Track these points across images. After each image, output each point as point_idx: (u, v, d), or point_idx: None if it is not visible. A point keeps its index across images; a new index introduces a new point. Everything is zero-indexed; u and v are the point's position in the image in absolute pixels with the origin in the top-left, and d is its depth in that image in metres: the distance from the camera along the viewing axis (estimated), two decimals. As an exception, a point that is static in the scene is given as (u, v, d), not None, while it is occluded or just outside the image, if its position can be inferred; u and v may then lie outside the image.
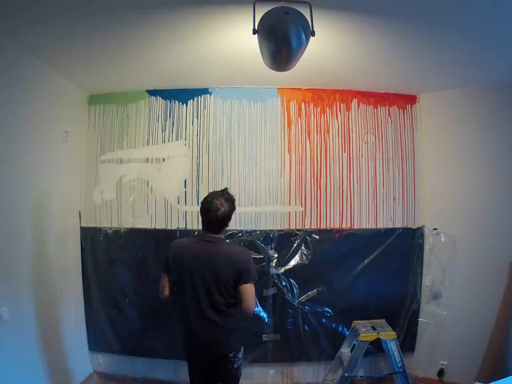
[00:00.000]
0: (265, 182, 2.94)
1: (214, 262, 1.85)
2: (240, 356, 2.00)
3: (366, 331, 2.48)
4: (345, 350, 2.66)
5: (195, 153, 2.94)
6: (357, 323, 2.61)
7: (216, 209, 1.85)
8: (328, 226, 2.94)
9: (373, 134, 3.01)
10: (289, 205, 2.93)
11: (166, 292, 1.97)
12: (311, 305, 2.84)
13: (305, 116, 2.97)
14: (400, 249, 2.92)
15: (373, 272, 2.88)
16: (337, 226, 2.94)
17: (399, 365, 2.45)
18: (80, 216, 2.96)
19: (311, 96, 2.98)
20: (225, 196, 1.92)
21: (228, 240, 2.19)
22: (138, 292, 2.89)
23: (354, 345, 2.58)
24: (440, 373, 2.84)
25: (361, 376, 2.68)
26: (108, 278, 2.90)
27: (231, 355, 1.94)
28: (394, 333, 2.47)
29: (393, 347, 2.44)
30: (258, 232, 2.86)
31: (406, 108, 3.05)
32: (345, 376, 2.43)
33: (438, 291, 2.88)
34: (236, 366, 1.96)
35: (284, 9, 1.50)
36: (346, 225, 2.95)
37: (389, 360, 2.49)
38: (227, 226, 1.96)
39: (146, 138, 2.98)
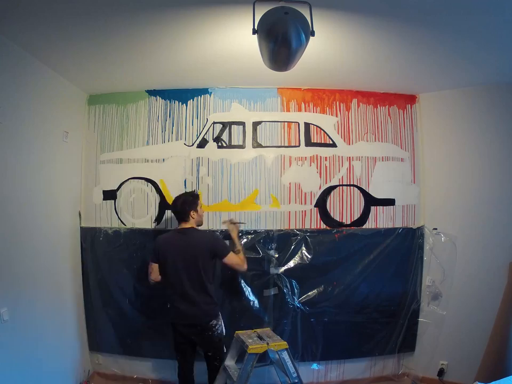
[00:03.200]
0: (265, 182, 2.94)
1: (190, 248, 2.31)
2: (220, 323, 2.39)
3: (253, 342, 2.27)
4: (230, 363, 2.43)
5: (195, 153, 2.94)
6: (240, 333, 2.40)
7: (176, 201, 2.39)
8: (328, 226, 2.94)
9: (373, 134, 3.01)
10: (289, 204, 2.93)
11: (154, 276, 2.40)
12: (311, 306, 2.84)
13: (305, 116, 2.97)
14: (400, 249, 2.92)
15: (373, 272, 2.88)
16: (337, 226, 2.94)
17: (294, 375, 2.30)
18: (80, 216, 2.96)
19: (311, 96, 2.98)
20: (186, 193, 2.52)
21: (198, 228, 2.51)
22: (138, 292, 2.89)
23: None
24: (440, 372, 2.84)
25: None
26: (108, 278, 2.90)
27: (212, 323, 2.33)
28: (285, 342, 2.30)
29: (285, 357, 2.29)
30: (258, 232, 2.86)
31: (405, 107, 3.05)
32: None
33: (438, 291, 2.88)
34: (217, 333, 2.35)
35: (283, 9, 1.50)
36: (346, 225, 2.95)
37: (276, 370, 2.39)
38: (191, 214, 2.37)
39: (146, 138, 2.98)
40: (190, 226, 2.38)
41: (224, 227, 2.81)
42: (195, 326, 2.34)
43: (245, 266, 2.47)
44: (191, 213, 2.36)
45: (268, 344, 2.28)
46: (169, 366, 2.87)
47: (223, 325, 2.41)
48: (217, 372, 2.39)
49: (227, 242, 2.71)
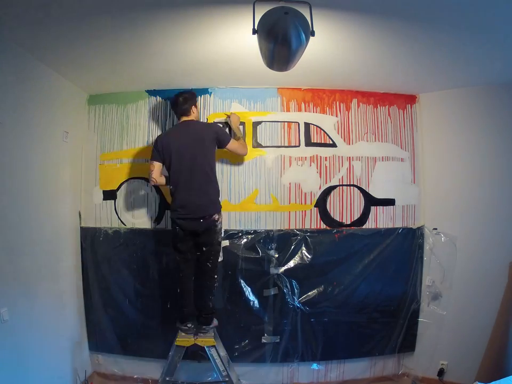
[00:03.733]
0: (265, 182, 2.93)
1: (196, 137, 2.38)
2: (221, 221, 2.43)
3: (184, 336, 2.39)
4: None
5: (195, 153, 2.94)
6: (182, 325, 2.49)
7: (177, 97, 2.50)
8: (328, 226, 2.94)
9: (373, 134, 3.01)
10: (289, 204, 2.93)
11: (155, 175, 2.42)
12: (311, 306, 2.84)
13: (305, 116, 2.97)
14: (400, 249, 2.92)
15: (373, 272, 2.88)
16: (337, 226, 2.94)
17: (223, 373, 2.36)
18: (80, 216, 2.96)
19: (311, 96, 2.98)
20: (183, 91, 2.58)
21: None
22: (138, 292, 2.89)
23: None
24: (440, 372, 2.85)
25: (182, 382, 2.54)
26: (108, 278, 2.90)
27: (215, 217, 2.37)
28: (212, 339, 2.39)
29: (214, 354, 2.36)
30: (258, 232, 2.86)
31: (405, 107, 3.05)
32: (166, 380, 2.36)
33: (438, 291, 2.88)
34: (218, 229, 2.40)
35: (283, 9, 1.50)
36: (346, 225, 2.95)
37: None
38: (192, 109, 2.50)
39: (146, 138, 2.98)
40: (191, 119, 2.49)
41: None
42: (200, 217, 2.34)
43: (246, 151, 2.70)
44: (192, 107, 2.50)
45: (195, 339, 2.37)
46: (169, 366, 2.88)
47: (222, 226, 2.49)
48: (207, 276, 2.42)
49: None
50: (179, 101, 2.48)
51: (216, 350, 2.39)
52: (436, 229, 2.92)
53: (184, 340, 2.38)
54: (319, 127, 2.97)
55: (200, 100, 2.96)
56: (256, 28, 1.57)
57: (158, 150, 2.42)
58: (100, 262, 2.91)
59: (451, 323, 2.84)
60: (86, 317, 2.95)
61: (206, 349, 2.38)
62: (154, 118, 2.98)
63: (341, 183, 2.96)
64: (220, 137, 2.47)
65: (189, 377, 2.69)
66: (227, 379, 2.37)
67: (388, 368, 2.98)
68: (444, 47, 2.17)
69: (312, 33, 1.56)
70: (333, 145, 2.97)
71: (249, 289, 2.82)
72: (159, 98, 2.99)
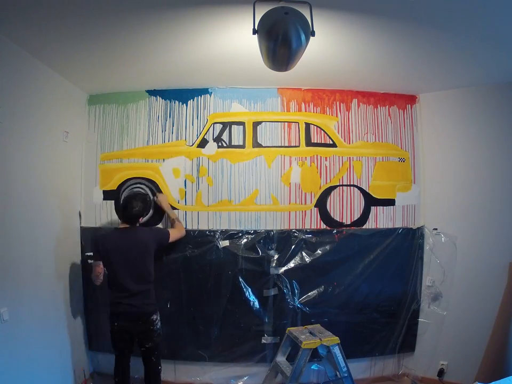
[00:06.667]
0: (265, 182, 2.94)
1: (137, 245, 2.40)
2: (159, 319, 2.48)
3: (306, 338, 2.41)
4: (281, 359, 2.59)
5: (195, 153, 2.94)
6: (292, 330, 2.56)
7: (132, 205, 2.41)
8: (328, 226, 2.94)
9: (373, 134, 3.01)
10: (289, 204, 2.93)
11: (101, 277, 2.45)
12: (311, 306, 2.84)
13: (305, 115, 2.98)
14: (400, 250, 2.92)
15: (373, 272, 2.88)
16: (337, 226, 2.94)
17: (344, 369, 2.40)
18: (80, 216, 2.96)
19: (311, 96, 2.98)
20: (141, 197, 2.52)
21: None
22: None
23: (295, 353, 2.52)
24: (440, 373, 2.84)
25: None
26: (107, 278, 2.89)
27: (154, 317, 2.43)
28: (337, 337, 2.42)
29: (337, 352, 2.40)
30: (258, 232, 2.86)
31: (406, 108, 3.05)
32: None
33: (438, 291, 2.88)
34: (157, 328, 2.46)
35: (283, 9, 1.50)
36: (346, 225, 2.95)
37: (325, 366, 2.54)
38: (140, 220, 2.51)
39: (147, 138, 2.98)
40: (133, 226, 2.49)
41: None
42: (139, 320, 2.40)
43: (184, 232, 2.71)
44: (141, 218, 2.53)
45: (321, 339, 2.39)
46: (169, 366, 2.88)
47: (160, 322, 2.51)
48: (154, 367, 2.53)
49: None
50: (134, 211, 2.40)
51: (339, 347, 2.43)
52: (436, 229, 2.92)
53: (310, 342, 2.38)
54: (319, 127, 2.97)
55: (200, 100, 2.97)
56: (256, 28, 1.57)
57: (99, 251, 2.43)
58: (100, 262, 2.90)
59: (451, 323, 2.84)
60: (86, 316, 2.95)
61: (331, 347, 2.41)
62: (155, 118, 2.98)
63: (341, 183, 2.96)
64: (161, 240, 2.53)
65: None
66: (346, 375, 2.41)
67: (388, 368, 2.98)
68: (443, 48, 2.17)
69: (313, 34, 1.56)
70: (333, 145, 2.97)
71: (249, 289, 2.82)
72: (159, 98, 2.99)
